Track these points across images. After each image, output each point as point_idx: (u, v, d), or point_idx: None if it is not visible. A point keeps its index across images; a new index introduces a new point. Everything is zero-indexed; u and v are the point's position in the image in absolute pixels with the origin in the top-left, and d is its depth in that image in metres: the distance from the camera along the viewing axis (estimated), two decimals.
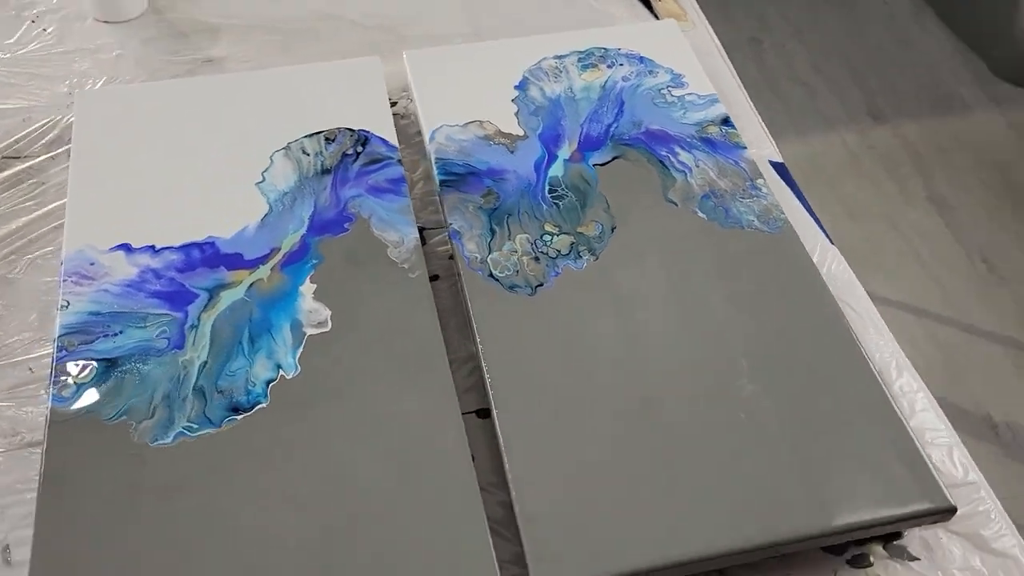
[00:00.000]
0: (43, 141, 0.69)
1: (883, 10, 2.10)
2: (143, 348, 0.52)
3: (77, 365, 0.51)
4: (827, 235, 0.64)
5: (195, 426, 0.49)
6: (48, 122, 0.70)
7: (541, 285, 0.56)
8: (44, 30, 0.78)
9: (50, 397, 0.50)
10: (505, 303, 0.55)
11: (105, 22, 0.79)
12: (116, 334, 0.53)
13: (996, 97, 1.89)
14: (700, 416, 0.50)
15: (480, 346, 0.53)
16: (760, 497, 0.47)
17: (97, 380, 0.51)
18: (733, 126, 0.66)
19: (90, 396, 0.50)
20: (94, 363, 0.51)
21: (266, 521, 0.46)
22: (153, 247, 0.57)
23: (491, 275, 0.56)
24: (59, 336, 0.52)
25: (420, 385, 0.51)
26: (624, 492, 0.48)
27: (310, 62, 0.75)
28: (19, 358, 0.56)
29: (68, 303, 0.54)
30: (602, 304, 0.55)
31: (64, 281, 0.55)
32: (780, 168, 0.68)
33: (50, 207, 0.64)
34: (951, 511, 0.48)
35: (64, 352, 0.52)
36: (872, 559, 0.50)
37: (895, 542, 0.50)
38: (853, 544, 0.50)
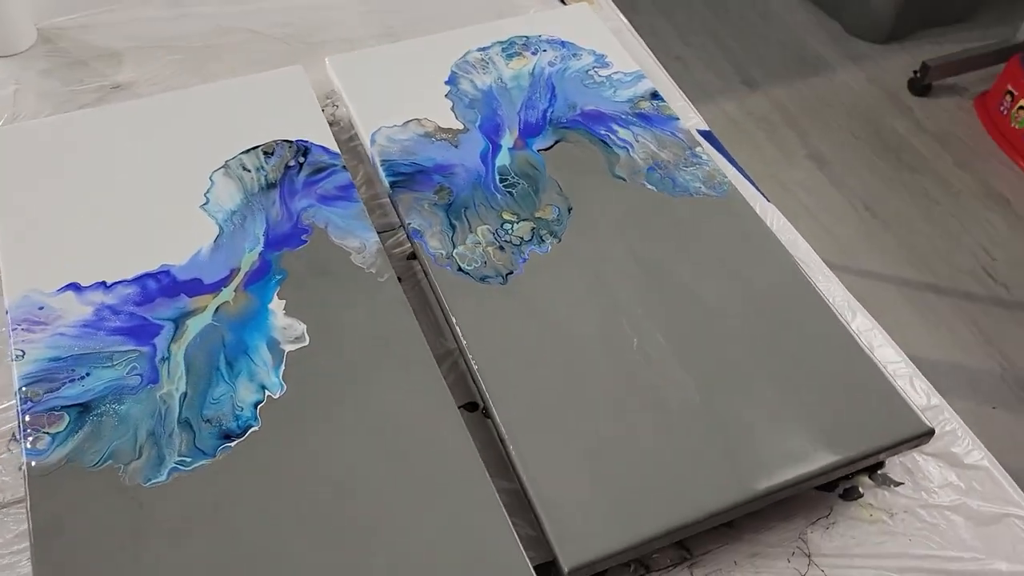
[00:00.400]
0: None
1: None
2: (115, 388, 0.50)
3: (46, 415, 0.48)
4: (764, 195, 0.67)
5: (188, 459, 0.47)
6: None
7: (511, 273, 0.56)
8: None
9: (23, 452, 0.47)
10: (479, 294, 0.55)
11: None
12: (83, 377, 0.50)
13: (853, 55, 2.01)
14: (686, 379, 0.52)
15: (463, 339, 0.53)
16: (754, 449, 0.50)
17: (72, 427, 0.48)
18: (663, 99, 0.68)
19: (68, 445, 0.47)
20: (65, 411, 0.49)
21: (282, 544, 0.45)
22: (104, 283, 0.55)
23: (460, 269, 0.56)
24: (20, 388, 0.49)
25: (411, 385, 0.51)
26: (627, 463, 0.49)
27: (223, 78, 0.73)
28: None
29: (23, 352, 0.51)
30: (574, 283, 0.56)
31: (14, 330, 0.52)
32: (708, 135, 0.71)
33: None
34: (929, 433, 0.51)
35: (29, 403, 0.49)
36: (861, 490, 0.52)
37: (879, 472, 0.53)
38: (843, 479, 0.53)
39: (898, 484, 0.53)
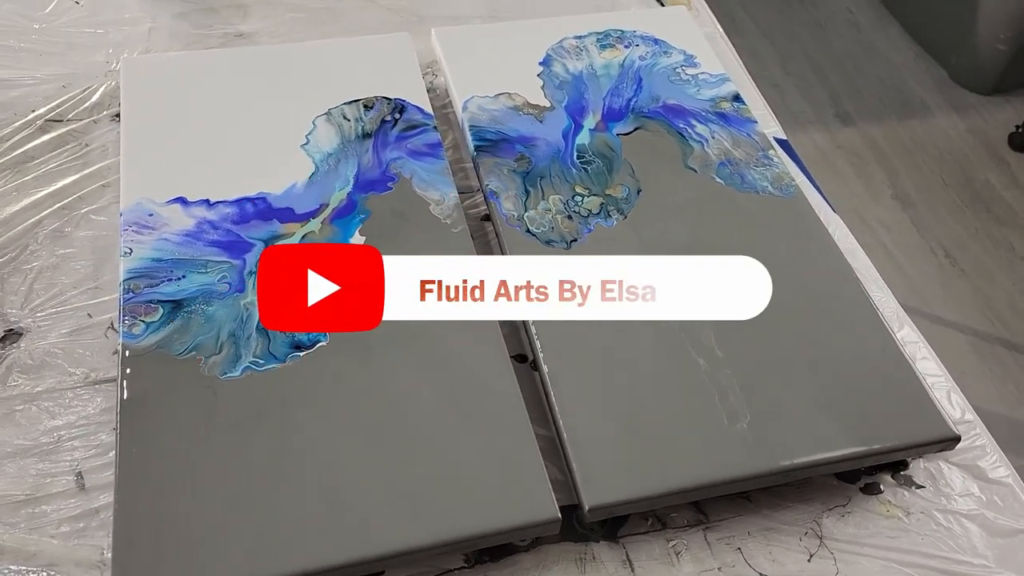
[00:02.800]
0: (84, 106, 0.71)
1: (848, 18, 2.19)
2: (206, 291, 0.55)
3: (143, 306, 0.54)
4: (831, 206, 0.70)
5: (261, 361, 0.52)
6: (88, 88, 0.72)
7: (575, 240, 0.60)
8: (76, 2, 0.81)
9: (120, 335, 0.53)
10: (542, 254, 0.59)
11: None
12: (180, 278, 0.56)
13: (955, 103, 1.99)
14: (725, 355, 0.55)
15: None
16: (780, 427, 0.52)
17: (164, 319, 0.54)
18: (744, 102, 0.71)
19: (160, 333, 0.53)
20: (160, 304, 0.54)
21: (334, 446, 0.49)
22: (208, 201, 0.60)
23: (528, 231, 0.60)
24: (124, 280, 0.55)
25: (469, 327, 0.55)
26: (656, 423, 0.52)
27: (337, 37, 0.79)
28: (78, 304, 0.59)
29: (131, 250, 0.57)
30: (633, 255, 0.59)
31: (124, 231, 0.58)
32: (784, 144, 0.73)
33: (96, 167, 0.67)
34: (955, 439, 0.53)
35: (131, 294, 0.55)
36: (882, 487, 0.55)
37: (902, 472, 0.55)
38: (865, 473, 0.55)
39: (919, 487, 0.55)
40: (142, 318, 0.54)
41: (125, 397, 0.50)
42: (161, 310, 0.54)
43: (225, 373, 0.52)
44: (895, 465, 0.55)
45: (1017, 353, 1.50)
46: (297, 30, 0.81)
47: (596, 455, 0.50)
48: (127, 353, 0.52)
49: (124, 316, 0.54)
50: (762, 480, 0.51)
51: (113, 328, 0.58)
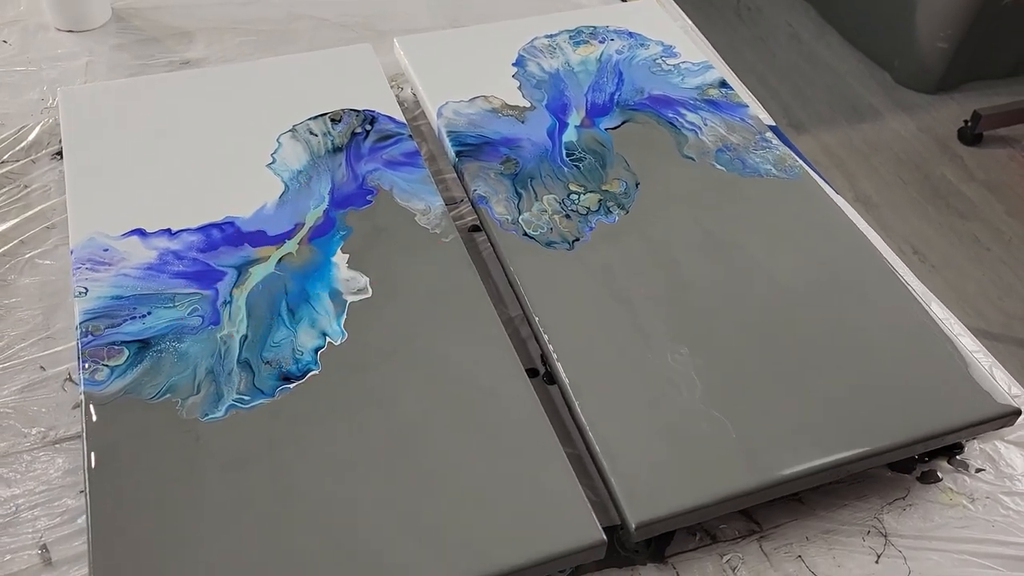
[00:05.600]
0: (21, 146, 0.65)
1: (789, 31, 2.21)
2: (176, 327, 0.49)
3: (105, 348, 0.48)
4: (832, 188, 0.66)
5: (247, 398, 0.46)
6: (24, 127, 0.66)
7: (578, 240, 0.55)
8: (4, 41, 0.75)
9: (81, 383, 0.46)
10: (544, 258, 0.54)
11: (68, 31, 0.76)
12: (144, 315, 0.49)
13: (902, 104, 2.00)
14: (756, 348, 0.50)
15: (527, 300, 0.52)
16: (825, 421, 0.47)
17: (131, 362, 0.47)
18: (731, 88, 0.68)
19: (127, 377, 0.46)
20: (124, 345, 0.48)
21: (335, 485, 0.43)
22: (169, 230, 0.54)
23: (525, 234, 0.55)
24: (81, 322, 0.49)
25: (474, 340, 0.50)
26: (692, 426, 0.47)
27: None
28: (28, 357, 0.52)
29: (86, 289, 0.50)
30: (641, 252, 0.55)
31: (77, 269, 0.52)
32: (775, 130, 0.70)
33: (38, 208, 0.61)
34: (1016, 413, 0.48)
35: (90, 337, 0.48)
36: (940, 474, 0.50)
37: (958, 456, 0.51)
38: (919, 461, 0.50)
39: (979, 470, 0.50)
40: (105, 362, 0.47)
41: (92, 452, 0.43)
42: (126, 351, 0.48)
43: (207, 415, 0.45)
44: (949, 449, 0.51)
45: (997, 342, 1.49)
46: (247, 55, 0.76)
47: (635, 468, 0.45)
48: (91, 403, 0.45)
49: (84, 361, 0.47)
50: (813, 478, 0.46)
51: (71, 379, 0.51)
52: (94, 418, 0.45)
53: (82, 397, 0.46)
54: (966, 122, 1.87)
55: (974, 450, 0.51)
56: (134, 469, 0.43)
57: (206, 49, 0.76)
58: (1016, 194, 1.77)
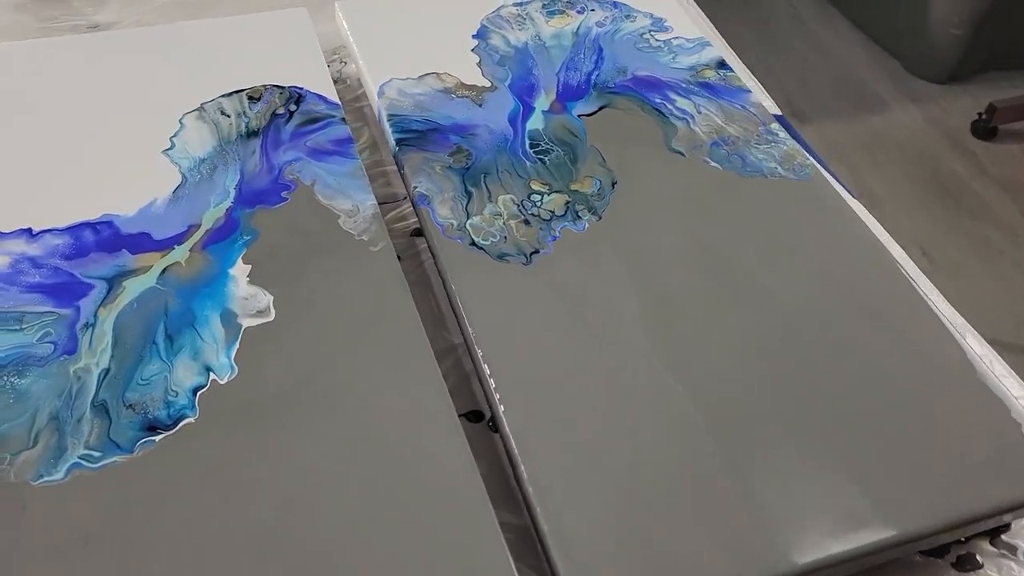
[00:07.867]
0: None
1: (790, 13, 2.10)
2: (18, 357, 0.39)
3: None
4: (848, 191, 0.56)
5: (97, 454, 0.36)
6: None
7: (537, 252, 0.45)
8: None
9: None
10: (494, 274, 0.44)
11: None
12: None
13: (911, 94, 1.90)
14: (752, 402, 0.40)
15: (470, 329, 0.41)
16: (844, 496, 0.37)
17: None
18: (731, 69, 0.57)
19: None
20: None
21: (212, 571, 0.33)
22: (30, 230, 0.44)
23: (473, 243, 0.45)
24: None
25: (399, 381, 0.39)
26: (666, 501, 0.37)
27: None
28: None
29: None
30: (614, 269, 0.44)
31: None
32: (782, 120, 0.59)
33: None
34: None
35: None
36: (980, 558, 0.40)
37: (1003, 536, 0.41)
38: (956, 544, 0.40)
39: None
40: None
41: None
42: None
43: (41, 476, 0.35)
44: (993, 528, 0.41)
45: (1008, 351, 1.39)
46: (167, 21, 0.65)
47: (592, 555, 0.34)
48: None
49: None
50: (825, 572, 0.36)
51: None
52: None
53: None
54: (980, 115, 1.76)
55: (1021, 528, 0.41)
56: None
57: (119, 11, 0.65)
58: None
